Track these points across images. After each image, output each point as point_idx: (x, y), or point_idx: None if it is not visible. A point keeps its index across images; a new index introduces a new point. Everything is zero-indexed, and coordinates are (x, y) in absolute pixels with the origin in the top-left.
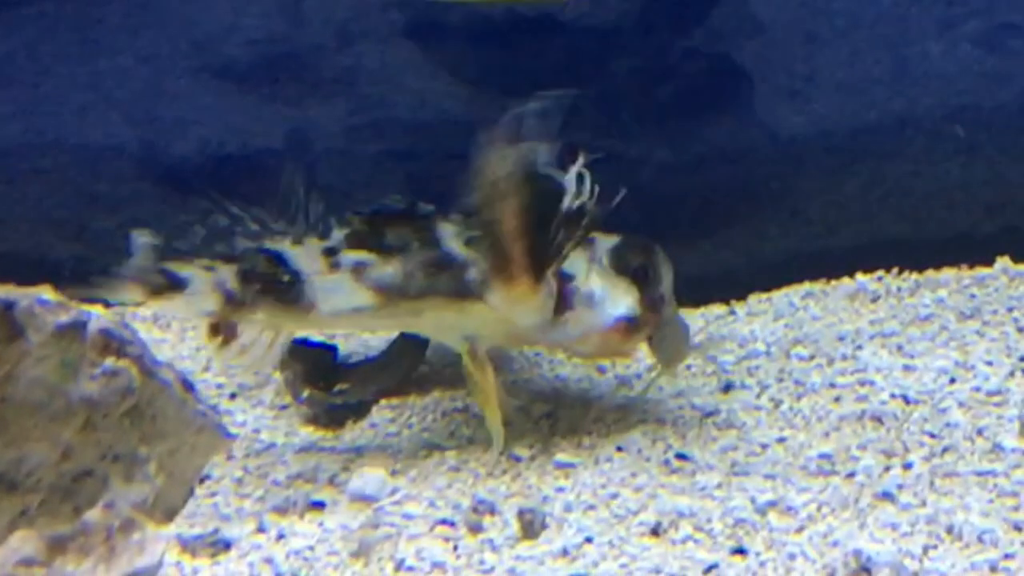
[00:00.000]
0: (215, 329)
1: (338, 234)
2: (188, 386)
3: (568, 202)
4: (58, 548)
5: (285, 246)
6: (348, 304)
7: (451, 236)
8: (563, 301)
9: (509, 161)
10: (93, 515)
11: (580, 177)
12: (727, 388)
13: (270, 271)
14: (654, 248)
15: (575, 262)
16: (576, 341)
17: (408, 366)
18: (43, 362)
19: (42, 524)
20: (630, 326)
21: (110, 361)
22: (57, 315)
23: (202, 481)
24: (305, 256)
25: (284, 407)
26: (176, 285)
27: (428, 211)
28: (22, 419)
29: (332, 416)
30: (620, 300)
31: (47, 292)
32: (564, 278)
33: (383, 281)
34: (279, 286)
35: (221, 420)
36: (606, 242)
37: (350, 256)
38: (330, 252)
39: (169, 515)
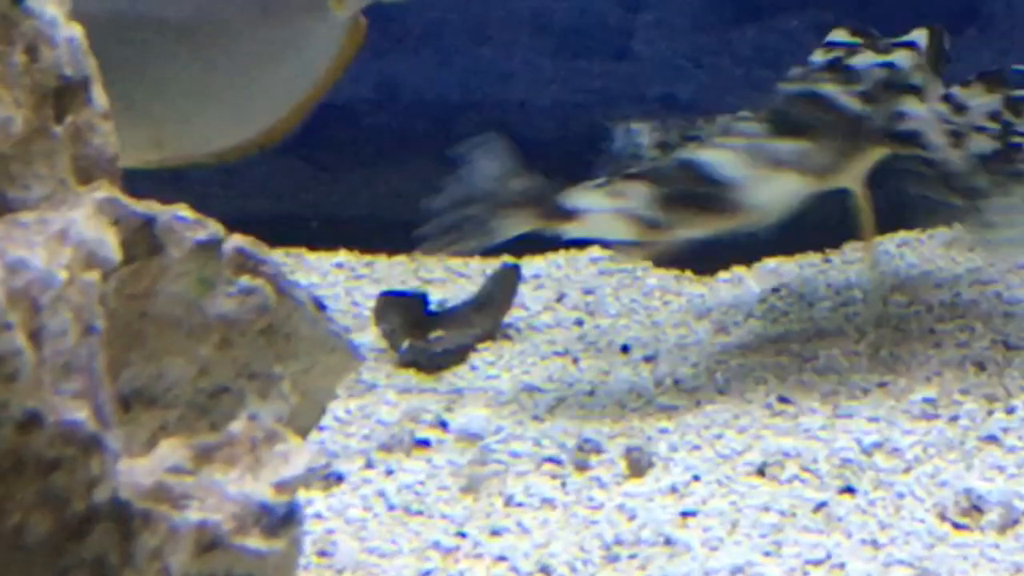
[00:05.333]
0: None
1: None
2: (320, 306)
3: None
4: (205, 457)
5: (700, 150)
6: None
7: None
8: None
9: None
10: (238, 426)
11: None
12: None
13: (695, 187)
14: None
15: None
16: None
17: (503, 307)
18: (182, 278)
19: (180, 437)
20: None
21: (246, 279)
22: (195, 231)
23: None
24: (732, 157)
25: (383, 351)
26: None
27: None
28: (161, 334)
29: (431, 360)
30: None
31: (184, 209)
32: None
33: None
34: (710, 199)
35: (352, 341)
36: None
37: (784, 146)
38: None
39: (303, 433)
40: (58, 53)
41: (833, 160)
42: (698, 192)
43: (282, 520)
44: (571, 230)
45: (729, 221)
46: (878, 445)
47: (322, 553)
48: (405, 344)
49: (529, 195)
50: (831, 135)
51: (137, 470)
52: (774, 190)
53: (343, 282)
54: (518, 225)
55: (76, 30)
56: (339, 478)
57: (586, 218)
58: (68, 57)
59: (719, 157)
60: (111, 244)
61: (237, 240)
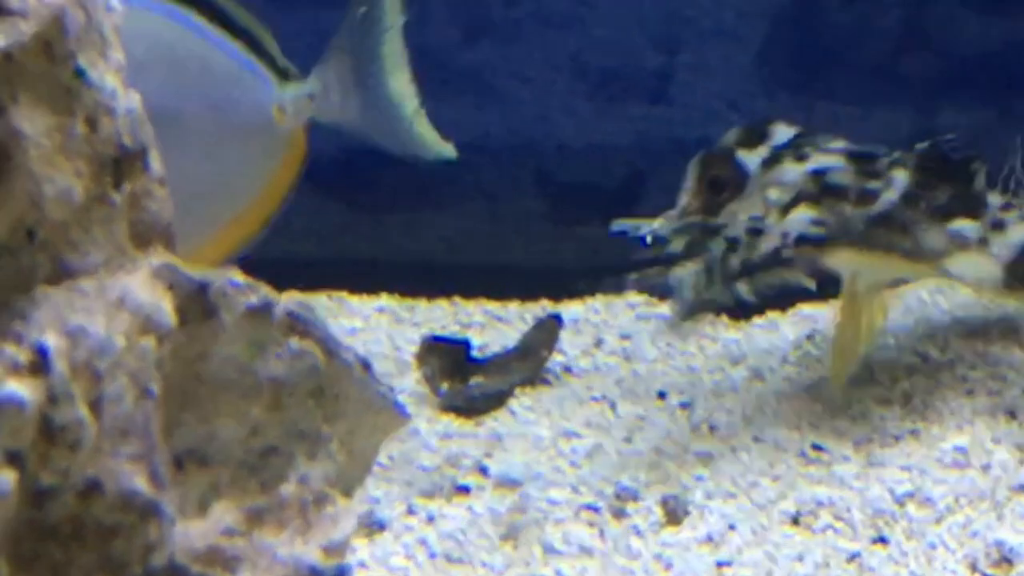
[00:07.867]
0: None
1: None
2: (367, 366)
3: None
4: (256, 520)
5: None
6: None
7: None
8: None
9: None
10: (288, 488)
11: None
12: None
13: None
14: None
15: None
16: None
17: (543, 356)
18: (234, 342)
19: (231, 498)
20: None
21: (295, 341)
22: (248, 296)
23: None
24: None
25: (424, 395)
26: None
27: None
28: (213, 396)
29: (471, 405)
30: None
31: (236, 273)
32: None
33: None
34: None
35: (398, 399)
36: None
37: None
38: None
39: (349, 492)
40: (117, 123)
41: None
42: None
43: None
44: None
45: None
46: (911, 495)
47: None
48: (444, 387)
49: None
50: None
51: (192, 533)
52: None
53: (385, 326)
54: None
55: (135, 100)
56: (381, 526)
57: None
58: (127, 127)
59: None
60: (167, 310)
61: (288, 304)
